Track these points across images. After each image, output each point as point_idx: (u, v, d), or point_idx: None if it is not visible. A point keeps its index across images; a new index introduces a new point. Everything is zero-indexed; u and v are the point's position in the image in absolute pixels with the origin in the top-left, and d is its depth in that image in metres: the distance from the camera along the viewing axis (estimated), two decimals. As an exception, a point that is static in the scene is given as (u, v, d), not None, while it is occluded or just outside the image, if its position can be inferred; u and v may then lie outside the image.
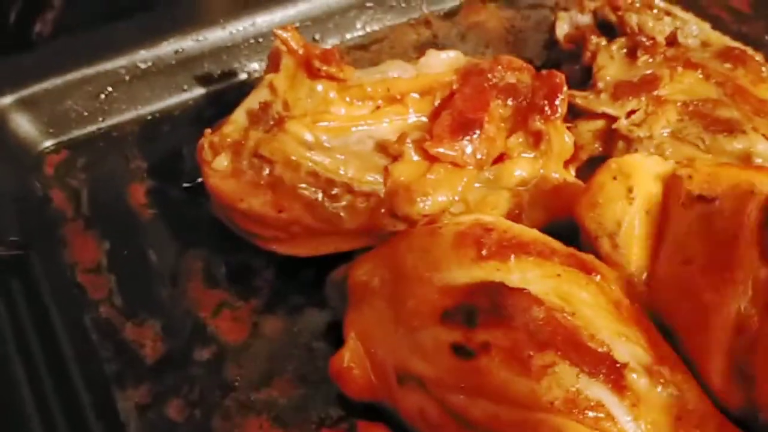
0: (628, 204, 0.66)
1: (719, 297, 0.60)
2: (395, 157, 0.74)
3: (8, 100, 0.85)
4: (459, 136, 0.74)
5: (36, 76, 0.86)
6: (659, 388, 0.58)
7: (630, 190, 0.66)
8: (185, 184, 0.84)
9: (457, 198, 0.73)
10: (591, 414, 0.57)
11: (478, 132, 0.74)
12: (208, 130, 0.74)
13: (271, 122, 0.75)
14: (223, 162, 0.73)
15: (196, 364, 0.70)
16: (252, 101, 0.77)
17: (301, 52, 0.77)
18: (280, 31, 0.78)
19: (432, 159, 0.73)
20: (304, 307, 0.74)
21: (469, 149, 0.74)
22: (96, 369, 0.69)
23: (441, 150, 0.73)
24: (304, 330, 0.72)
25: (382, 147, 0.74)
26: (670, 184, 0.67)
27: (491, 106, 0.77)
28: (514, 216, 0.74)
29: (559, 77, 0.78)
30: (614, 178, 0.67)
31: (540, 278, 0.63)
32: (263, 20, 0.93)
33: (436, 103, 0.78)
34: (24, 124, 0.85)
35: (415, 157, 0.73)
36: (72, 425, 0.65)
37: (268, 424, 0.66)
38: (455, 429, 0.60)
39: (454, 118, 0.75)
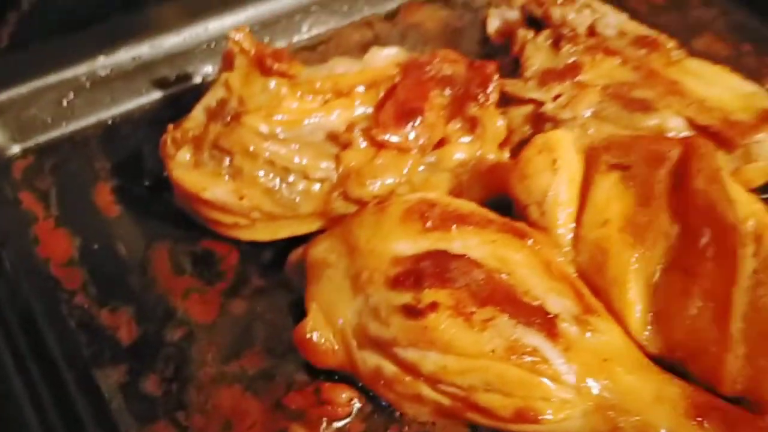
0: (552, 174, 0.73)
1: (633, 254, 0.69)
2: (345, 146, 0.80)
3: (-26, 109, 0.89)
4: (402, 124, 0.81)
5: (1, 85, 0.90)
6: (588, 334, 0.66)
7: (554, 162, 0.74)
8: (147, 183, 0.89)
9: (403, 180, 0.80)
10: (528, 359, 0.64)
11: (419, 119, 0.81)
12: (171, 126, 0.80)
13: (228, 117, 0.81)
14: (185, 155, 0.79)
15: (169, 343, 0.76)
16: (210, 98, 0.83)
17: (253, 51, 0.83)
18: (233, 33, 0.84)
19: (379, 146, 0.80)
20: (266, 288, 0.80)
21: (412, 135, 0.81)
22: (76, 352, 0.74)
23: (386, 137, 0.80)
24: (268, 308, 0.78)
25: (332, 136, 0.81)
26: (590, 155, 0.75)
27: (430, 95, 0.83)
28: (455, 195, 0.81)
29: (491, 67, 0.86)
30: (540, 152, 0.75)
31: (479, 245, 0.70)
32: (215, 26, 0.99)
33: (380, 95, 0.84)
34: (-9, 131, 0.90)
35: (363, 145, 0.80)
36: (58, 404, 0.70)
37: (240, 392, 0.72)
38: (408, 383, 0.67)
39: (397, 108, 0.82)
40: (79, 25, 1.07)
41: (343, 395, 0.71)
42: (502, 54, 0.98)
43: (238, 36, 0.83)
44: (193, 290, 0.80)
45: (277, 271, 0.80)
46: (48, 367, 0.73)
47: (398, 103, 0.83)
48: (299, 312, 0.74)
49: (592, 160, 0.75)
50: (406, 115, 0.81)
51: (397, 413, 0.70)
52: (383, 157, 0.80)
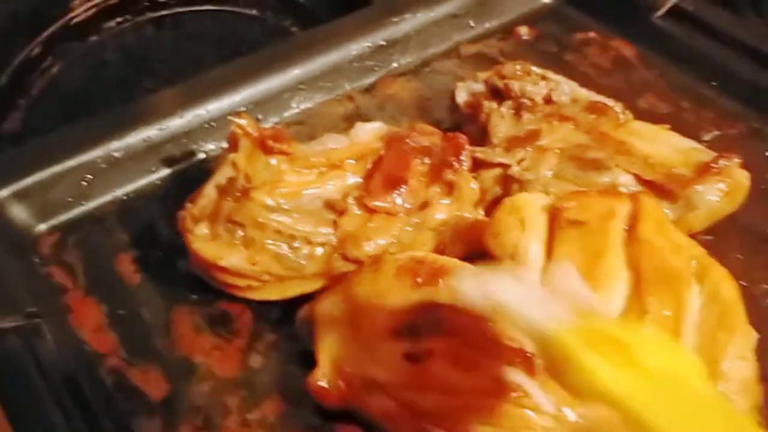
0: (521, 231, 0.85)
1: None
2: (341, 212, 0.92)
3: (5, 193, 0.99)
4: (390, 191, 0.92)
5: (26, 170, 1.00)
6: (561, 370, 0.78)
7: (521, 221, 0.86)
8: (162, 251, 0.99)
9: (393, 240, 0.92)
10: (514, 395, 0.75)
11: (404, 187, 0.93)
12: (189, 204, 0.91)
13: (237, 193, 0.92)
14: (203, 229, 0.90)
15: (197, 396, 0.85)
16: (219, 177, 0.94)
17: (255, 134, 0.95)
18: (236, 119, 0.95)
19: (370, 211, 0.91)
20: (278, 341, 0.90)
21: (398, 201, 0.92)
22: (115, 408, 0.84)
23: (377, 203, 0.92)
24: (282, 360, 0.88)
25: (330, 205, 0.92)
26: (552, 213, 0.87)
27: (412, 164, 0.96)
28: (439, 251, 0.93)
29: (462, 138, 0.98)
30: (509, 213, 0.87)
31: (463, 295, 0.82)
32: (214, 107, 1.10)
33: (368, 166, 0.96)
34: (20, 213, 1.00)
35: (357, 211, 0.92)
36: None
37: (264, 436, 0.83)
38: (410, 419, 0.78)
39: (384, 177, 0.94)
40: (84, 108, 1.19)
41: (355, 434, 0.81)
42: (470, 122, 1.10)
43: (241, 121, 0.95)
44: (213, 348, 0.90)
45: (287, 325, 0.91)
46: (91, 419, 0.82)
47: (385, 173, 0.95)
48: (310, 361, 0.84)
49: (553, 217, 0.87)
50: (393, 183, 0.93)
51: (403, 447, 0.80)
52: (375, 221, 0.91)
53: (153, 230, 1.02)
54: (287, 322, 0.91)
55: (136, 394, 0.86)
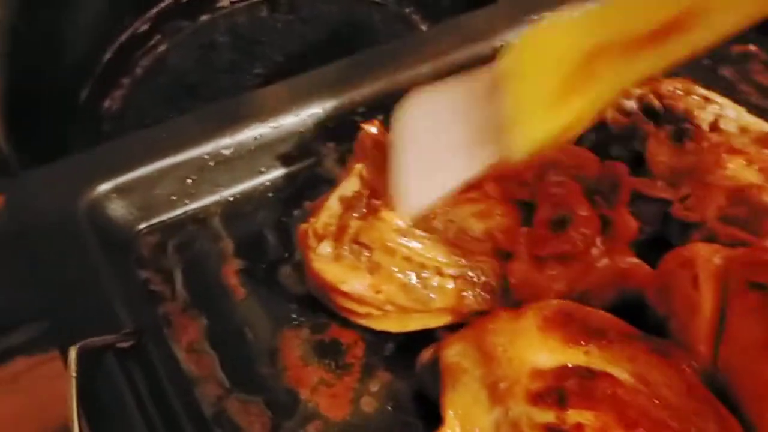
0: (694, 290, 0.76)
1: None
2: (509, 256, 0.83)
3: (106, 187, 0.93)
4: (560, 230, 0.83)
5: (130, 164, 0.95)
6: (731, 459, 0.68)
7: (695, 277, 0.76)
8: (269, 262, 0.93)
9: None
10: (678, 490, 0.66)
11: (573, 220, 0.83)
12: (312, 219, 0.84)
13: (364, 209, 0.84)
14: (326, 248, 0.83)
15: (304, 438, 0.79)
16: (345, 189, 0.87)
17: (385, 142, 0.87)
18: (366, 125, 0.88)
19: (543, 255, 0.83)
20: (392, 381, 0.83)
21: (570, 238, 0.82)
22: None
23: (547, 247, 0.82)
24: (397, 405, 0.82)
25: (493, 248, 0.84)
26: (728, 269, 0.77)
27: (576, 191, 0.86)
28: (587, 295, 0.84)
29: (621, 168, 0.88)
30: (681, 266, 0.77)
31: (620, 361, 0.72)
32: (331, 105, 1.02)
33: (509, 189, 0.88)
34: (119, 209, 0.94)
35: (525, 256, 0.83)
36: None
37: (377, 496, 0.76)
38: (552, 499, 0.70)
39: (548, 215, 0.84)
40: (190, 91, 1.13)
41: (480, 506, 0.73)
42: (619, 143, 1.00)
43: (372, 129, 0.87)
44: (322, 383, 0.83)
45: (401, 362, 0.84)
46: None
47: (551, 208, 0.85)
48: (427, 409, 0.77)
49: (730, 275, 0.77)
50: (564, 219, 0.84)
51: None
52: (553, 268, 0.83)
53: (261, 238, 0.96)
54: (401, 359, 0.84)
55: (236, 428, 0.79)
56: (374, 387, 0.83)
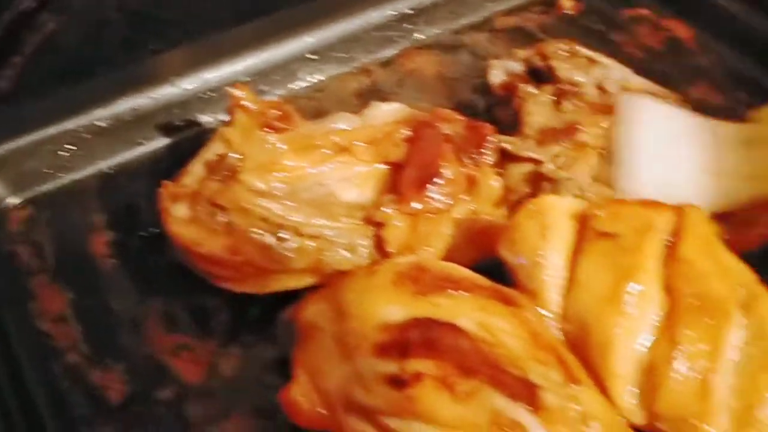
0: (542, 240, 0.77)
1: (619, 324, 0.72)
2: (379, 224, 0.84)
3: (-25, 160, 0.94)
4: (426, 188, 0.84)
5: (1, 137, 0.95)
6: (570, 404, 0.69)
7: (544, 227, 0.77)
8: (143, 234, 0.94)
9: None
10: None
11: (440, 179, 0.85)
12: (166, 182, 0.85)
13: (226, 173, 0.85)
14: (181, 210, 0.84)
15: (158, 403, 0.80)
16: (208, 153, 0.88)
17: (254, 107, 0.88)
18: (234, 90, 0.89)
19: (412, 214, 0.84)
20: (255, 343, 0.84)
21: (437, 196, 0.84)
22: (66, 413, 0.79)
23: (415, 206, 0.84)
24: (258, 367, 0.82)
25: (367, 220, 0.85)
26: (582, 222, 0.79)
27: (446, 153, 0.87)
28: (449, 254, 0.85)
29: (487, 128, 0.89)
30: (531, 217, 0.78)
31: (467, 311, 0.73)
32: (212, 76, 1.04)
33: (388, 158, 0.89)
34: (-10, 183, 0.95)
35: (398, 222, 0.84)
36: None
37: (226, 457, 0.76)
38: (394, 450, 0.71)
39: (416, 174, 0.86)
40: (84, 70, 1.13)
41: (329, 460, 0.74)
42: (504, 106, 1.02)
43: (239, 93, 0.88)
44: (183, 348, 0.84)
45: (267, 326, 0.84)
46: (36, 425, 0.77)
47: (419, 167, 0.86)
48: (287, 369, 0.78)
49: (582, 227, 0.78)
50: (431, 177, 0.85)
51: (382, 480, 0.73)
52: (423, 224, 0.84)
53: (134, 209, 0.96)
54: (267, 322, 0.84)
55: (92, 397, 0.81)
56: (235, 350, 0.84)
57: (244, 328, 0.85)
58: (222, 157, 0.86)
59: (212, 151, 0.87)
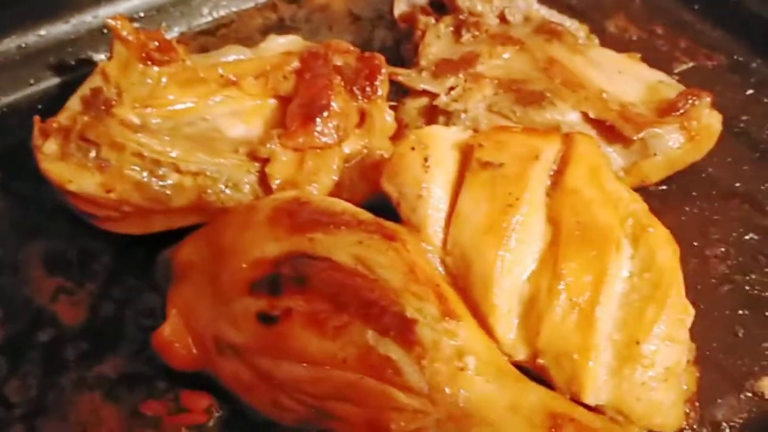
0: (424, 172, 0.74)
1: (501, 256, 0.70)
2: (264, 160, 0.81)
3: None
4: (313, 122, 0.81)
5: None
6: (445, 340, 0.67)
7: (426, 159, 0.75)
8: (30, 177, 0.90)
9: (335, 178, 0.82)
10: (379, 369, 0.66)
11: (327, 112, 0.82)
12: (38, 117, 0.81)
13: (102, 107, 0.82)
14: (52, 146, 0.80)
15: (36, 347, 0.77)
16: (85, 88, 0.84)
17: (132, 39, 0.84)
18: (110, 20, 0.85)
19: (301, 150, 0.81)
20: (138, 288, 0.82)
21: (325, 130, 0.81)
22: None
23: (301, 140, 0.81)
24: (138, 311, 0.80)
25: (251, 155, 0.81)
26: (465, 152, 0.76)
27: (336, 86, 0.84)
28: (340, 189, 0.83)
29: (379, 59, 0.86)
30: (412, 149, 0.76)
31: (344, 246, 0.71)
32: (107, 12, 1.00)
33: (278, 93, 0.86)
34: None
35: (284, 157, 0.81)
36: None
37: (99, 399, 0.74)
38: (265, 390, 0.69)
39: (303, 107, 0.83)
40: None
41: (203, 403, 0.72)
42: (408, 40, 0.99)
43: (115, 23, 0.84)
44: (62, 291, 0.81)
45: (150, 270, 0.81)
46: None
47: (303, 101, 0.84)
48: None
49: (465, 157, 0.76)
50: (314, 111, 0.82)
51: (258, 421, 0.72)
52: (310, 159, 0.81)
53: (22, 151, 0.92)
54: (150, 266, 0.81)
55: (-33, 340, 0.78)
56: (117, 293, 0.81)
57: (127, 270, 0.83)
58: (98, 92, 0.83)
59: (90, 85, 0.84)
